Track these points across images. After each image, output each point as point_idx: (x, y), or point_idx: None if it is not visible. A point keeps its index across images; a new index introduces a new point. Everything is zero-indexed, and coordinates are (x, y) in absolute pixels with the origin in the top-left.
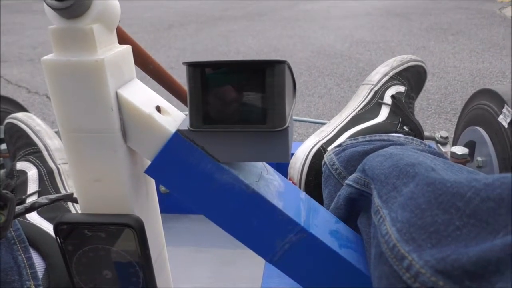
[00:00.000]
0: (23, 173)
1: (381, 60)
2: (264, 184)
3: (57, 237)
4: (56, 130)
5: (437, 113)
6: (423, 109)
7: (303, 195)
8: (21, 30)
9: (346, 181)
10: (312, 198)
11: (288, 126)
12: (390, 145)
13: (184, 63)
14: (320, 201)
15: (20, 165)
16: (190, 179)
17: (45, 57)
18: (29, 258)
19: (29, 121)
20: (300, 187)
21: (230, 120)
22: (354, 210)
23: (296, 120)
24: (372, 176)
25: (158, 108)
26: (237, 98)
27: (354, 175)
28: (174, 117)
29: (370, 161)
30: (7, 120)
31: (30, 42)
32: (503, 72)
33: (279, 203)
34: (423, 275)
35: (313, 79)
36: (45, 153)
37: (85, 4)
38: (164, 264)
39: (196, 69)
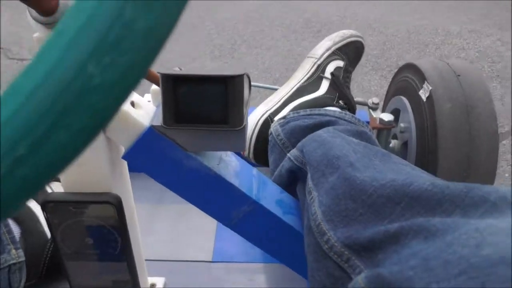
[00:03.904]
0: None
1: (326, 10)
2: (224, 166)
3: (44, 213)
4: None
5: (374, 70)
6: (362, 65)
7: (255, 171)
8: None
9: (288, 155)
10: (261, 173)
11: (245, 125)
12: (327, 120)
13: (158, 73)
14: (267, 164)
15: None
16: (161, 164)
17: None
18: (7, 225)
19: None
20: (249, 152)
21: (198, 120)
22: (295, 178)
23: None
24: (307, 160)
25: (132, 103)
26: (204, 103)
27: (295, 152)
28: (146, 111)
29: (307, 145)
30: None
31: None
32: (436, 29)
33: (236, 182)
34: (336, 247)
35: (260, 30)
36: None
37: None
38: (134, 225)
39: (169, 78)
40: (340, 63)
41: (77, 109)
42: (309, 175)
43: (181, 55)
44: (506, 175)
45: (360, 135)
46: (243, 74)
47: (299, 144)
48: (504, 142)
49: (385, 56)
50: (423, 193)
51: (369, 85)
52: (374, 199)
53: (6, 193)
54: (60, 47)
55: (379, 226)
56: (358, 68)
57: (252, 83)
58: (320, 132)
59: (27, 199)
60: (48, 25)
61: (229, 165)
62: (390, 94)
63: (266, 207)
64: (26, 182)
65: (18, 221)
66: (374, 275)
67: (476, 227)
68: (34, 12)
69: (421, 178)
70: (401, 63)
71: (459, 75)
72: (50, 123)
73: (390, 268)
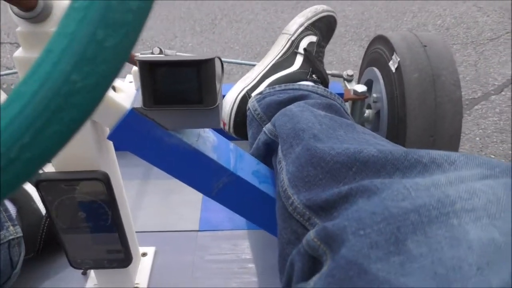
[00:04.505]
0: None
1: None
2: (202, 142)
3: (38, 191)
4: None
5: (353, 40)
6: (341, 36)
7: (231, 145)
8: None
9: (264, 129)
10: (238, 147)
11: (218, 104)
12: (300, 94)
13: (136, 59)
14: (246, 137)
15: None
16: (144, 143)
17: (16, 55)
18: (3, 204)
19: None
20: (229, 126)
21: (175, 101)
22: (270, 150)
23: (229, 62)
24: (278, 133)
25: (114, 88)
26: (179, 85)
27: (269, 126)
28: (127, 94)
29: (279, 119)
30: None
31: None
32: None
33: (214, 156)
34: (298, 208)
35: (240, 3)
36: None
37: (47, 11)
38: (123, 199)
39: (146, 64)
40: (313, 38)
41: (66, 107)
42: (279, 147)
43: (162, 32)
44: (477, 139)
45: (330, 108)
46: (214, 58)
47: (273, 119)
48: (476, 107)
49: (364, 26)
50: (371, 159)
51: (348, 56)
52: (331, 166)
53: (15, 172)
54: (50, 62)
55: (334, 189)
56: (337, 39)
57: (232, 60)
58: (291, 106)
59: (31, 176)
60: (29, 19)
61: (207, 140)
62: (364, 65)
63: (243, 177)
64: (30, 163)
65: (13, 200)
66: (321, 229)
67: (405, 185)
68: (15, 8)
69: (373, 146)
70: (380, 32)
71: (425, 46)
72: (46, 118)
73: (334, 221)
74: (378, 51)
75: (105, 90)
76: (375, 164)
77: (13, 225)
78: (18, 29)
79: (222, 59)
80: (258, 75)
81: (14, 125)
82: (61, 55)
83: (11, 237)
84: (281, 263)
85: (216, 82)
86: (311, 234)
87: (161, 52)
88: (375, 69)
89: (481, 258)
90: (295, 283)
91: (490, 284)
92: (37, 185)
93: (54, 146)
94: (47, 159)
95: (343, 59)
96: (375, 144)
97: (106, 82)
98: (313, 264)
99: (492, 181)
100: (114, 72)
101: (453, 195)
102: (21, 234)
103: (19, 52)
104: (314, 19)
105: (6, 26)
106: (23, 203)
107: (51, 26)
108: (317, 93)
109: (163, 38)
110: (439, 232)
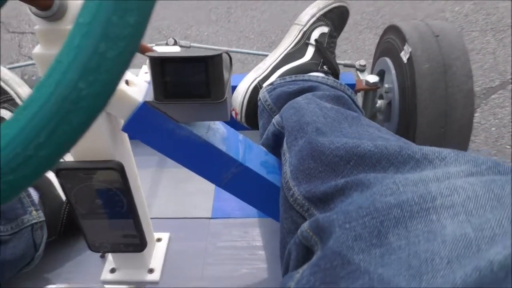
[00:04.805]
0: (4, 120)
1: None
2: (212, 134)
3: (58, 179)
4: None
5: (368, 28)
6: (357, 23)
7: (241, 137)
8: None
9: (273, 120)
10: (247, 138)
11: (226, 97)
12: (309, 86)
13: (146, 54)
14: (257, 127)
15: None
16: (156, 134)
17: (35, 51)
18: (26, 190)
19: None
20: (241, 116)
21: (184, 95)
22: (279, 141)
23: (242, 53)
24: (285, 126)
25: (127, 82)
26: (189, 79)
27: (277, 117)
28: (139, 87)
29: (286, 111)
30: None
31: None
32: None
33: (223, 147)
34: (298, 200)
35: None
36: (18, 100)
37: (62, 10)
38: (137, 188)
39: (156, 60)
40: (325, 29)
41: (74, 111)
42: (285, 139)
43: (178, 21)
44: (493, 129)
45: (338, 100)
46: (221, 54)
47: (281, 110)
48: (493, 96)
49: (380, 13)
50: (367, 153)
51: (363, 44)
52: (330, 159)
53: (34, 167)
54: (60, 71)
55: (332, 182)
56: (352, 27)
57: (245, 51)
58: (298, 99)
59: (48, 170)
60: (46, 18)
61: (217, 132)
62: (377, 55)
63: (252, 168)
64: (45, 159)
65: (36, 187)
66: (313, 220)
67: (394, 180)
68: (33, 8)
69: (372, 140)
70: (396, 20)
71: (437, 36)
72: (58, 120)
73: (325, 214)
74: (390, 41)
75: (108, 95)
76: (371, 159)
77: (36, 210)
78: (36, 27)
79: (237, 49)
80: (269, 66)
81: (30, 125)
82: (69, 66)
83: (34, 221)
84: (281, 251)
85: (224, 77)
86: (305, 225)
87: (175, 43)
88: (387, 59)
89: (452, 252)
90: (290, 271)
91: (454, 277)
92: (57, 173)
93: (65, 145)
94: (59, 156)
95: (358, 47)
96: (377, 138)
97: (109, 88)
98: (306, 254)
99: (475, 178)
100: (116, 80)
101: (435, 192)
102: (43, 219)
103: (38, 49)
104: (326, 9)
105: (28, 17)
106: (45, 189)
107: (67, 24)
108: (327, 85)
109: (178, 27)
110: (418, 227)
